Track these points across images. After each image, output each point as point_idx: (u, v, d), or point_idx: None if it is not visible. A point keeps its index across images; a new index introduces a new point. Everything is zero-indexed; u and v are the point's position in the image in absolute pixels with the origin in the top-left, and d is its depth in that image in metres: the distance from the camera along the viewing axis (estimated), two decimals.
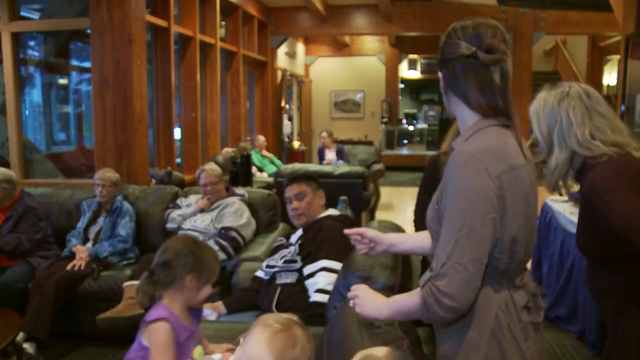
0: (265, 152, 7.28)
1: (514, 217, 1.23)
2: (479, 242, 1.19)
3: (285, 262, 2.57)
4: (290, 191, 2.74)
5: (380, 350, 0.97)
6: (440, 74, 1.35)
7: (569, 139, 1.66)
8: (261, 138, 7.33)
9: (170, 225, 3.59)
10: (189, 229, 3.44)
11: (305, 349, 1.27)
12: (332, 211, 2.81)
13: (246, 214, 3.51)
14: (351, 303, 1.43)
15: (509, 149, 1.25)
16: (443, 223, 1.24)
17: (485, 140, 1.25)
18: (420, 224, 2.74)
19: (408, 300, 1.31)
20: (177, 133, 5.85)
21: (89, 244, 3.55)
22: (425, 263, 2.66)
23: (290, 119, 10.66)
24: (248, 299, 2.71)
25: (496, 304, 1.27)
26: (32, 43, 5.73)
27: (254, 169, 6.38)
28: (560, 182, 1.74)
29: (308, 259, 2.53)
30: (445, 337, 1.34)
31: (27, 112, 5.49)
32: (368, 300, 1.39)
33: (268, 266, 2.64)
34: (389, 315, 1.36)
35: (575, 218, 3.49)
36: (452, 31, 1.32)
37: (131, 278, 3.29)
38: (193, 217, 3.51)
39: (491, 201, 1.19)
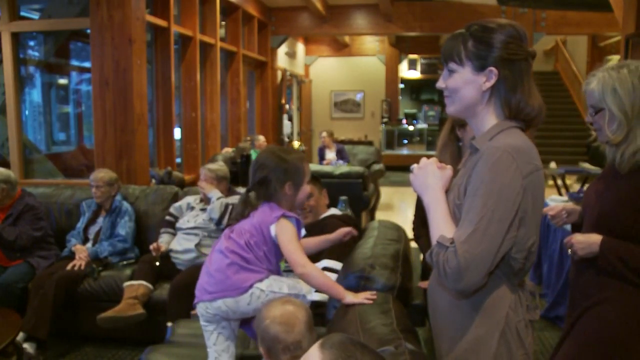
0: None
1: (534, 216, 1.26)
2: (493, 238, 1.20)
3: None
4: None
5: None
6: (495, 71, 1.29)
7: None
8: (261, 138, 7.33)
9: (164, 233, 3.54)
10: (189, 228, 3.43)
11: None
12: (334, 210, 2.84)
13: None
14: (412, 168, 1.39)
15: (533, 150, 1.28)
16: (464, 209, 1.25)
17: (513, 139, 1.27)
18: (419, 229, 2.74)
19: (433, 226, 1.29)
20: (177, 133, 5.85)
21: (89, 244, 3.55)
22: (426, 264, 2.66)
23: (290, 119, 10.66)
24: None
25: (508, 303, 1.29)
26: (32, 43, 5.73)
27: None
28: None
29: (310, 258, 2.53)
30: (452, 334, 1.34)
31: (27, 112, 5.49)
32: (421, 178, 1.36)
33: None
34: (424, 203, 1.35)
35: None
36: (514, 31, 1.30)
37: (131, 278, 3.29)
38: (192, 217, 3.50)
39: (515, 199, 1.21)
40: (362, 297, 1.80)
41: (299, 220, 1.91)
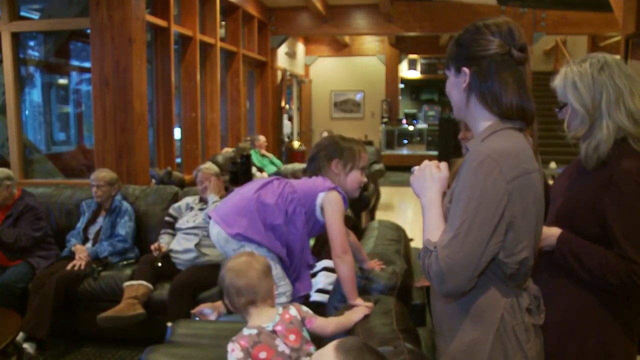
0: (265, 152, 7.28)
1: (524, 222, 1.23)
2: (474, 243, 1.19)
3: None
4: None
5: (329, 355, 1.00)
6: (466, 71, 1.30)
7: (616, 111, 1.53)
8: (261, 138, 7.33)
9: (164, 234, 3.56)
10: (188, 228, 3.43)
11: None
12: None
13: None
14: (413, 169, 1.40)
15: (524, 153, 1.25)
16: (449, 213, 1.25)
17: (502, 142, 1.25)
18: None
19: (425, 229, 1.30)
20: (177, 133, 5.85)
21: (89, 244, 3.55)
22: None
23: (290, 119, 10.65)
24: None
25: (502, 305, 1.27)
26: (32, 43, 5.73)
27: (253, 169, 6.37)
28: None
29: None
30: (448, 335, 1.34)
31: (27, 112, 5.49)
32: (420, 181, 1.36)
33: None
34: (421, 205, 1.36)
35: None
36: (482, 27, 1.30)
37: (131, 278, 3.29)
38: (192, 217, 3.50)
39: (498, 205, 1.19)
40: (365, 307, 1.79)
41: (346, 201, 1.90)
